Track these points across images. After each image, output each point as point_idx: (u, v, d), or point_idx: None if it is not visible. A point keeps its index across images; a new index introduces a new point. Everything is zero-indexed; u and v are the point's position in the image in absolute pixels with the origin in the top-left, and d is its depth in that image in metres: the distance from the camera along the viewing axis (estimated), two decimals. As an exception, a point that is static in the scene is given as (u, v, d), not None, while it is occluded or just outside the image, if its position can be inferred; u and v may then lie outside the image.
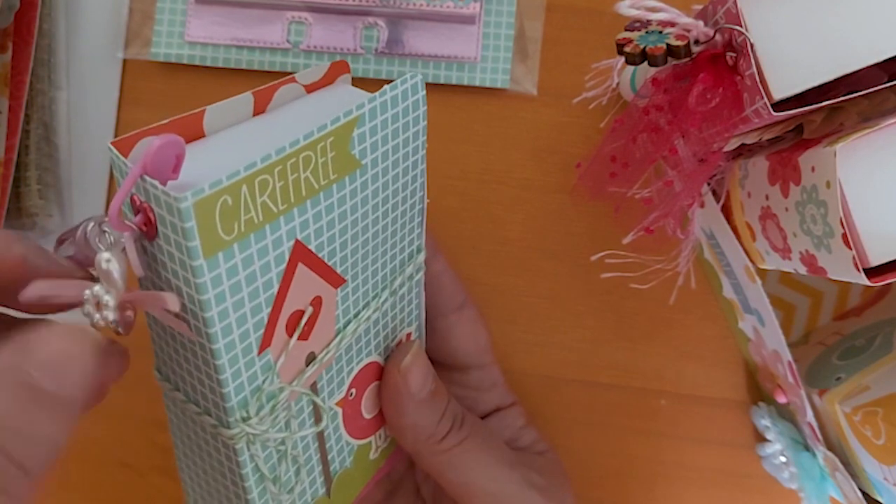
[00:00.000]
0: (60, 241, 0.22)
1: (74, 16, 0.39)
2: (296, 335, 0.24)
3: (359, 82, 0.39)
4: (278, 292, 0.22)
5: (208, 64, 0.38)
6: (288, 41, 0.38)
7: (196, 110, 0.23)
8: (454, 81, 0.38)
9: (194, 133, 0.23)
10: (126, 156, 0.20)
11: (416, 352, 0.30)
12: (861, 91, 0.24)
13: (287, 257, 0.22)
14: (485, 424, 0.32)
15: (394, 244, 0.28)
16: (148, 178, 0.18)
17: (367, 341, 0.28)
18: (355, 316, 0.27)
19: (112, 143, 0.20)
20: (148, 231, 0.19)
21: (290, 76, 0.26)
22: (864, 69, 0.23)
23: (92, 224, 0.21)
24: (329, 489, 0.29)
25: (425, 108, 0.25)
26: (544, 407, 0.39)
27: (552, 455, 0.33)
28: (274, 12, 0.38)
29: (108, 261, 0.19)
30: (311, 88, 0.27)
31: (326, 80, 0.28)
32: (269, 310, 0.22)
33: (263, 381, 0.23)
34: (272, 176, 0.20)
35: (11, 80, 0.37)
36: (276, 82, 0.25)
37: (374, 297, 0.28)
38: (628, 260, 0.36)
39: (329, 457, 0.28)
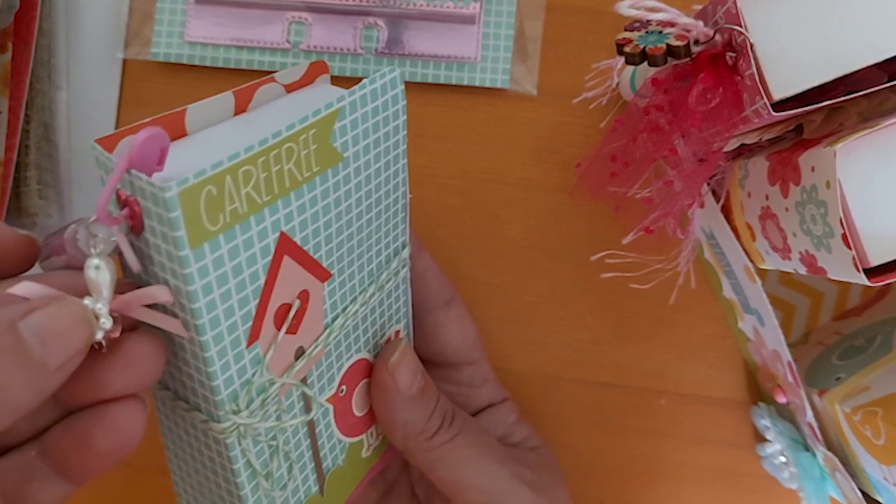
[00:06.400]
0: (47, 255, 0.22)
1: (74, 16, 0.39)
2: (284, 328, 0.24)
3: (358, 82, 0.39)
4: (265, 284, 0.22)
5: (208, 64, 0.38)
6: (288, 41, 0.38)
7: (177, 109, 0.23)
8: (454, 81, 0.38)
9: (176, 132, 0.23)
10: (110, 153, 0.20)
11: (404, 349, 0.30)
12: (861, 91, 0.24)
13: (272, 249, 0.22)
14: (476, 421, 0.32)
15: (378, 239, 0.28)
16: (133, 172, 0.19)
17: (356, 338, 0.28)
18: (343, 311, 0.27)
19: (96, 141, 0.20)
20: (134, 225, 0.19)
21: (270, 76, 0.26)
22: (863, 69, 0.23)
23: (78, 227, 0.21)
24: (322, 487, 0.29)
25: (405, 102, 0.26)
26: (545, 406, 0.39)
27: (545, 451, 0.33)
28: (274, 12, 0.38)
29: (96, 268, 0.19)
30: (290, 88, 0.27)
31: (306, 80, 0.28)
32: (257, 302, 0.22)
33: (253, 375, 0.23)
34: (256, 167, 0.20)
35: (11, 80, 0.37)
36: (255, 82, 0.26)
37: (360, 292, 0.28)
38: (628, 260, 0.36)
39: (321, 454, 0.28)
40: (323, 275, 0.25)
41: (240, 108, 0.25)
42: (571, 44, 0.38)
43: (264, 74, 0.39)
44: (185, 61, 0.38)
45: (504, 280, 0.39)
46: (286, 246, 0.23)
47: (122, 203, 0.19)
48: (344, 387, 0.29)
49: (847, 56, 0.23)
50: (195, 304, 0.20)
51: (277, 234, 0.22)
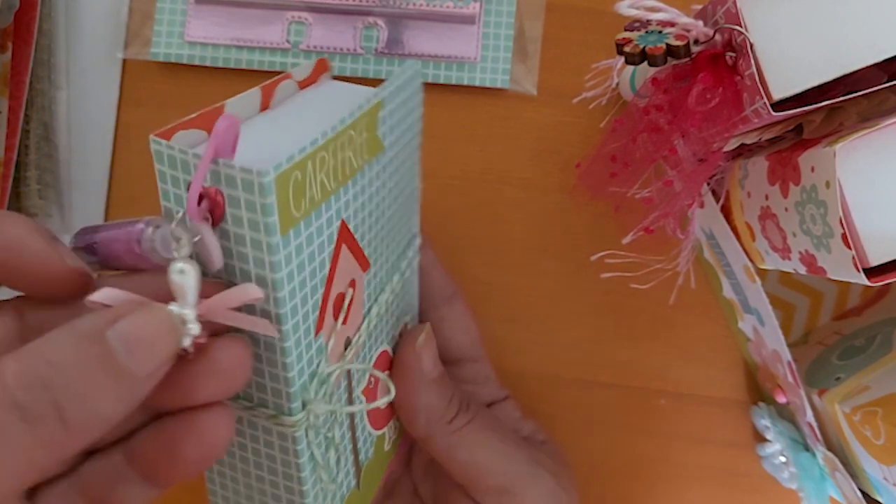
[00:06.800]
0: (100, 260, 0.21)
1: (74, 16, 0.39)
2: (340, 318, 0.24)
3: (359, 82, 0.39)
4: (329, 274, 0.22)
5: (208, 64, 0.38)
6: (288, 41, 0.38)
7: (217, 105, 0.23)
8: (454, 81, 0.38)
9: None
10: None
11: (429, 332, 0.30)
12: (860, 91, 0.24)
13: (335, 237, 0.22)
14: (489, 410, 0.32)
15: (400, 228, 0.28)
16: (221, 160, 0.18)
17: (381, 328, 0.29)
18: (376, 300, 0.27)
19: (155, 135, 0.19)
20: (214, 218, 0.19)
21: (286, 73, 0.27)
22: (863, 69, 0.23)
23: (147, 228, 0.20)
24: (359, 481, 0.29)
25: (422, 95, 0.27)
26: (544, 406, 0.39)
27: (553, 445, 0.34)
28: (274, 12, 0.38)
29: (181, 271, 0.18)
30: (302, 85, 0.28)
31: (313, 77, 0.28)
32: (322, 291, 0.22)
33: (317, 365, 0.23)
34: (328, 153, 0.20)
35: (11, 80, 0.37)
36: (276, 78, 0.26)
37: (387, 281, 0.28)
38: (628, 260, 0.36)
39: (358, 446, 0.29)
40: (365, 264, 0.25)
41: (264, 104, 0.25)
42: (571, 44, 0.38)
43: (264, 74, 0.39)
44: (185, 61, 0.38)
45: (504, 280, 0.39)
46: (344, 235, 0.23)
47: (199, 196, 0.19)
48: (372, 378, 0.29)
49: (847, 56, 0.23)
50: (280, 293, 0.20)
51: (339, 222, 0.22)
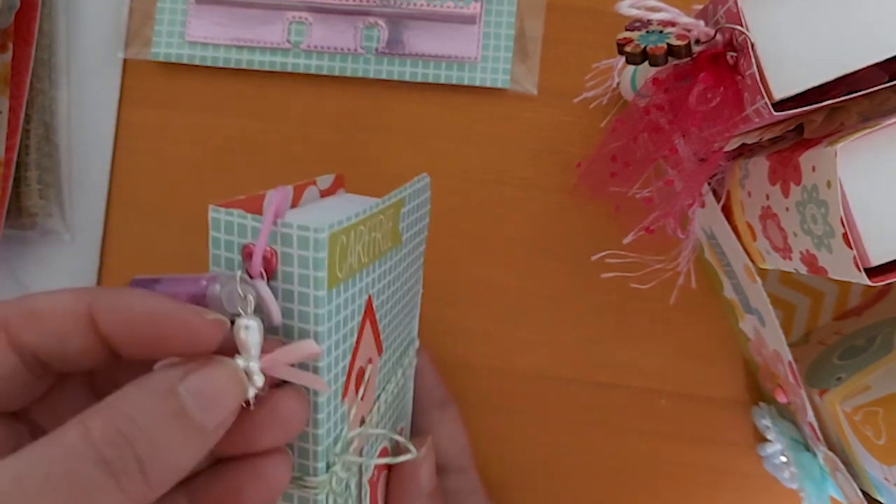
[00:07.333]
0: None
1: (74, 16, 0.39)
2: (361, 391, 0.25)
3: (359, 82, 0.39)
4: (355, 343, 0.23)
5: (208, 64, 0.38)
6: (288, 41, 0.38)
7: (257, 193, 0.24)
8: (454, 81, 0.38)
9: (258, 210, 0.24)
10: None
11: (430, 445, 0.31)
12: (861, 91, 0.24)
13: (363, 310, 0.23)
14: None
15: (403, 327, 0.29)
16: (279, 221, 0.20)
17: (386, 421, 0.29)
18: (384, 389, 0.28)
19: (216, 205, 0.21)
20: (266, 274, 0.20)
21: (312, 180, 0.28)
22: (864, 69, 0.23)
23: (211, 285, 0.21)
24: None
25: (429, 206, 0.29)
26: (545, 406, 0.39)
27: None
28: (274, 12, 0.38)
29: (246, 328, 0.20)
30: (322, 194, 0.29)
31: (332, 189, 0.30)
32: (349, 359, 0.23)
33: (341, 430, 0.23)
34: (365, 229, 0.22)
35: (11, 80, 0.37)
36: (306, 182, 0.27)
37: (393, 374, 0.29)
38: (629, 260, 0.36)
39: None
40: (379, 347, 0.26)
41: (294, 202, 0.27)
42: (572, 43, 0.38)
43: (264, 74, 0.39)
44: (185, 61, 0.38)
45: (504, 280, 0.39)
46: (369, 310, 0.24)
47: (248, 255, 0.20)
48: (376, 472, 0.29)
49: (847, 56, 0.23)
50: (322, 346, 0.21)
51: (367, 296, 0.23)
